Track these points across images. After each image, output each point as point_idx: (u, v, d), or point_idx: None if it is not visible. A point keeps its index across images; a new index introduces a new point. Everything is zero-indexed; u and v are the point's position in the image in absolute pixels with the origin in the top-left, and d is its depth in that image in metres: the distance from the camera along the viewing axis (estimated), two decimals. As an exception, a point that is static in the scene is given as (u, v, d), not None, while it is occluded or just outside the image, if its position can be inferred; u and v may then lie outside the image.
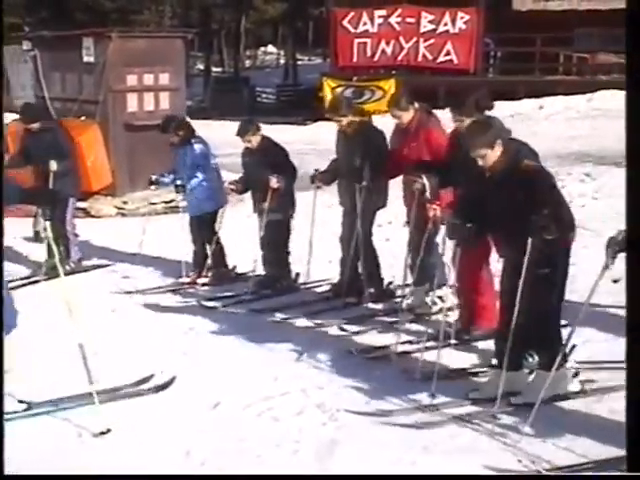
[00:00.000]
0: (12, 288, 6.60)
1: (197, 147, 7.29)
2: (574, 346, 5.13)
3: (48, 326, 5.76)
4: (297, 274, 7.16)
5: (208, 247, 7.38)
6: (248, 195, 7.26)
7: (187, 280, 7.38)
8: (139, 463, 4.08)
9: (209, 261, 7.39)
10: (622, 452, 3.97)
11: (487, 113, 5.54)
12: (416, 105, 6.19)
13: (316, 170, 6.75)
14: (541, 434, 4.22)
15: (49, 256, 6.97)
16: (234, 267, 7.55)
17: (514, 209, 4.32)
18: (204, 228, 7.39)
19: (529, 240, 4.23)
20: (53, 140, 7.41)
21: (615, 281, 3.90)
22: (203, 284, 7.30)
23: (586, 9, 20.25)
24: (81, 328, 4.60)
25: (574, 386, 4.63)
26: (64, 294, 4.65)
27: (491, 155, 4.42)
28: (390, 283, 6.80)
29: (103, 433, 4.39)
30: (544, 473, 3.86)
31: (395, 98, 6.45)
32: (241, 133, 6.88)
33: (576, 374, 4.68)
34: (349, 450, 4.17)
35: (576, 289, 4.99)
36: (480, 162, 4.47)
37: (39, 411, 4.61)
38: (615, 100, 18.08)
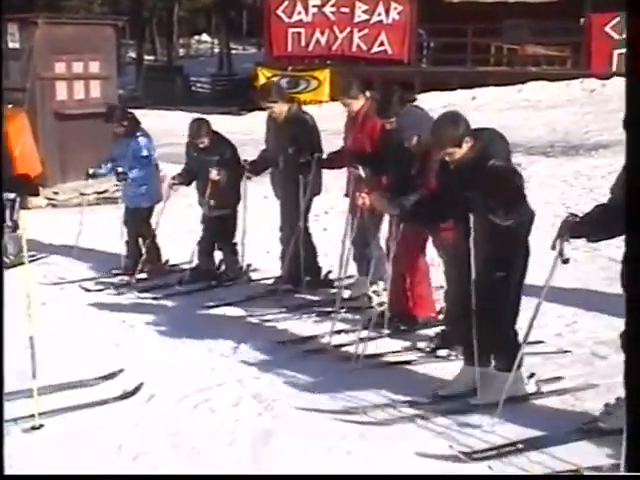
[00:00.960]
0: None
1: (142, 140, 7.19)
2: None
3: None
4: (248, 265, 7.11)
5: (142, 242, 7.27)
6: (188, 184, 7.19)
7: (120, 272, 7.26)
8: (69, 458, 4.00)
9: (143, 256, 7.28)
10: (542, 433, 4.07)
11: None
12: (367, 94, 6.16)
13: (245, 160, 6.72)
14: (472, 421, 4.28)
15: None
16: (167, 261, 7.46)
17: (474, 203, 4.23)
18: (139, 223, 7.28)
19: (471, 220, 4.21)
20: None
21: (565, 261, 3.89)
22: (138, 279, 7.19)
23: (515, 1, 20.59)
24: (31, 321, 4.47)
25: (530, 387, 4.51)
26: (27, 286, 4.50)
27: (458, 152, 4.30)
28: (329, 272, 6.80)
29: (35, 428, 4.29)
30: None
31: (346, 85, 6.31)
32: (194, 135, 6.78)
33: (531, 375, 4.56)
34: (285, 440, 4.16)
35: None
36: (447, 158, 4.37)
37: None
38: (544, 91, 18.52)
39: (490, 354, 4.50)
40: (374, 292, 6.20)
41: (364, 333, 5.32)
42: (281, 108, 6.39)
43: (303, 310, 6.20)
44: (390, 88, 5.69)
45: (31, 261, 7.55)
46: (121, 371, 5.03)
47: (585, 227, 3.83)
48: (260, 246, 7.33)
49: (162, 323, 5.97)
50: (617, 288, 4.00)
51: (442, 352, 5.21)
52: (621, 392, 4.18)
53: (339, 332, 5.59)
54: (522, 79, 19.00)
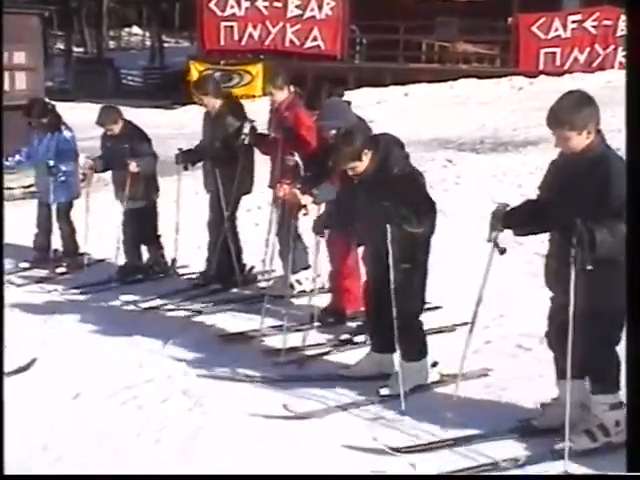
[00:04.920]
0: None
1: (67, 134, 7.08)
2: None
3: None
4: (173, 260, 7.02)
5: (60, 236, 7.17)
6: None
7: (31, 265, 7.11)
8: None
9: (61, 248, 7.20)
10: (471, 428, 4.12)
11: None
12: (292, 87, 6.17)
13: (180, 149, 6.64)
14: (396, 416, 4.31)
15: None
16: (83, 254, 7.29)
17: (381, 210, 4.35)
18: (59, 218, 7.13)
19: (389, 231, 4.33)
20: None
21: (502, 252, 3.93)
22: (61, 273, 7.05)
23: (445, -1, 20.89)
24: None
25: (433, 376, 4.64)
26: None
27: (360, 166, 4.42)
28: (252, 268, 6.75)
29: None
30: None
31: (272, 75, 6.40)
32: (102, 121, 6.70)
33: (434, 364, 4.68)
34: (214, 436, 4.13)
35: (437, 274, 5.07)
36: (349, 172, 4.49)
37: None
38: (475, 88, 18.80)
39: (394, 342, 4.55)
40: (297, 281, 6.23)
41: (293, 325, 5.34)
42: (212, 102, 6.34)
43: (231, 305, 6.16)
44: (319, 82, 5.75)
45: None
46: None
47: (514, 219, 3.91)
48: (191, 241, 7.25)
49: (90, 320, 5.84)
50: (541, 282, 4.10)
51: (359, 338, 5.31)
52: (549, 387, 4.31)
53: (269, 326, 5.57)
54: (453, 76, 19.25)
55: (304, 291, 6.11)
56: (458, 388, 4.28)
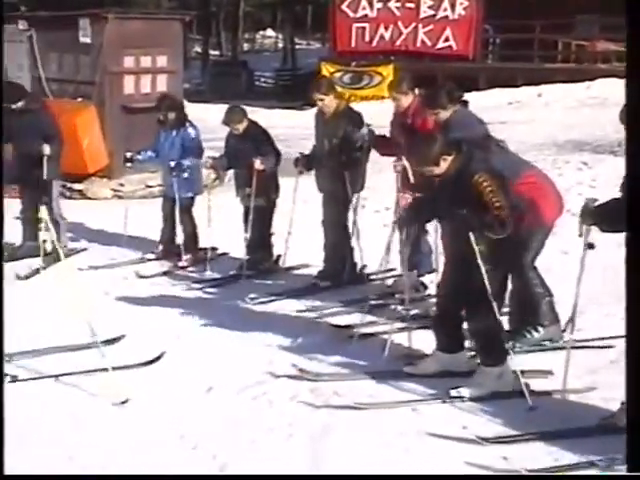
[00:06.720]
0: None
1: (193, 132, 7.34)
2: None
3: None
4: (278, 256, 7.14)
5: (182, 230, 7.40)
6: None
7: (155, 257, 7.39)
8: (134, 443, 4.10)
9: (182, 244, 7.39)
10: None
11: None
12: (417, 91, 6.16)
13: (300, 153, 6.75)
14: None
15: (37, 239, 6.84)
16: (206, 249, 7.41)
17: (461, 211, 4.45)
18: (181, 213, 7.36)
19: (472, 238, 4.39)
20: (36, 121, 7.11)
21: (590, 246, 3.99)
22: (182, 267, 7.27)
23: (585, -4, 20.17)
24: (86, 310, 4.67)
25: (517, 385, 4.48)
26: (67, 277, 4.63)
27: (437, 170, 4.56)
28: (363, 267, 6.74)
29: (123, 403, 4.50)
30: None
31: (396, 81, 6.44)
32: (228, 121, 6.91)
33: (522, 372, 4.58)
34: (343, 435, 4.17)
35: (569, 275, 4.94)
36: (428, 174, 4.65)
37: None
38: (614, 88, 18.07)
39: (459, 342, 4.78)
40: (422, 284, 6.24)
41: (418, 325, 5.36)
42: (331, 102, 6.43)
43: (356, 304, 6.14)
44: (438, 81, 5.75)
45: (77, 252, 7.72)
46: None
47: (602, 215, 3.96)
48: (317, 240, 7.32)
49: (220, 315, 5.97)
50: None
51: None
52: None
53: (399, 328, 5.52)
54: (590, 76, 18.58)
55: (429, 295, 6.07)
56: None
